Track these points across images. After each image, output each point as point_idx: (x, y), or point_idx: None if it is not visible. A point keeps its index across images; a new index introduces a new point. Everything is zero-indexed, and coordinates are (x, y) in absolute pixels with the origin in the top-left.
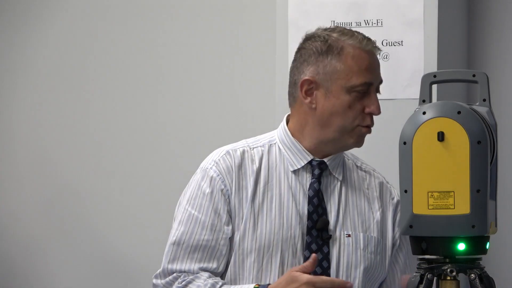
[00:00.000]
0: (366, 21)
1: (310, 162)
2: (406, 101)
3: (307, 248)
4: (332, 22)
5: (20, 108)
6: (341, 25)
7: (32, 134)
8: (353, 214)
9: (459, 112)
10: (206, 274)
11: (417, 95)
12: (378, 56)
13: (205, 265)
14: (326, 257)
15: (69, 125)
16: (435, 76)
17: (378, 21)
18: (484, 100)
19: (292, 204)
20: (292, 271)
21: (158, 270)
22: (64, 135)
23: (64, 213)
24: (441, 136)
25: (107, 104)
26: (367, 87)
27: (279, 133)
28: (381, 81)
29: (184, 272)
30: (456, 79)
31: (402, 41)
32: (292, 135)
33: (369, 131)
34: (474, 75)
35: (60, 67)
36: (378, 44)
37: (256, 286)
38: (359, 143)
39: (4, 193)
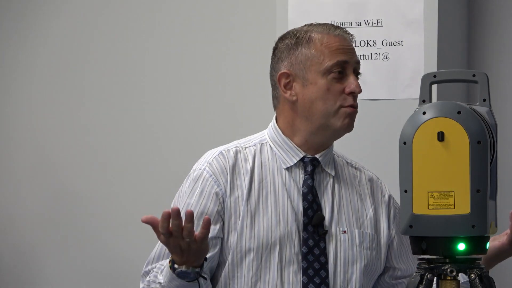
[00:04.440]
0: (366, 21)
1: (302, 159)
2: (406, 101)
3: (304, 244)
4: (332, 22)
5: (19, 111)
6: (341, 25)
7: (31, 136)
8: (347, 210)
9: (459, 112)
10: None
11: (417, 95)
12: (353, 43)
13: None
14: (323, 252)
15: (67, 127)
16: (435, 76)
17: (378, 21)
18: (484, 100)
19: (287, 201)
20: None
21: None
22: (63, 137)
23: (62, 216)
24: (441, 136)
25: (106, 107)
26: (341, 66)
27: (270, 132)
28: (357, 62)
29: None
30: (456, 79)
31: (402, 41)
32: (283, 133)
33: (355, 112)
34: (474, 75)
35: (59, 69)
36: (378, 44)
37: None
38: (348, 125)
39: (2, 195)
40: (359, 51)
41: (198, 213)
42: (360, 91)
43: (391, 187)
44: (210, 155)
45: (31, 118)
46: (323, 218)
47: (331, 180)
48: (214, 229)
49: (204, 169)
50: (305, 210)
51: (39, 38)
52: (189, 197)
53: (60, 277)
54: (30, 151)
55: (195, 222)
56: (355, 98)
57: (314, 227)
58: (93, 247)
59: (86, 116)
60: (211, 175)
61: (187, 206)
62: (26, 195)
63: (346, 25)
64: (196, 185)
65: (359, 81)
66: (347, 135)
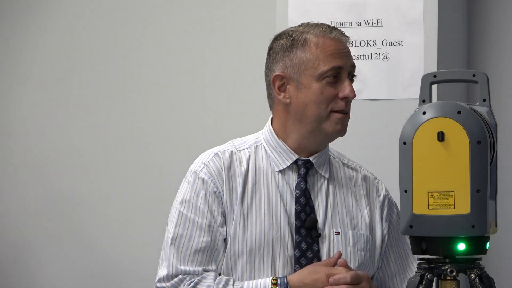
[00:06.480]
0: (366, 21)
1: (295, 162)
2: (406, 101)
3: (297, 247)
4: (332, 22)
5: (16, 110)
6: (341, 25)
7: (28, 135)
8: (341, 211)
9: (459, 112)
10: (212, 274)
11: (417, 95)
12: (348, 44)
13: (206, 267)
14: (317, 255)
15: (65, 127)
16: (435, 76)
17: (378, 21)
18: (484, 100)
19: (280, 204)
20: (316, 265)
21: (161, 274)
22: (60, 136)
23: (59, 214)
24: (441, 136)
25: (104, 106)
26: (336, 71)
27: (264, 134)
28: (353, 65)
29: (189, 274)
30: (456, 79)
31: (402, 41)
32: (277, 135)
33: (346, 117)
34: (474, 75)
35: (56, 70)
36: (378, 44)
37: (274, 278)
38: (339, 131)
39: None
40: (358, 51)
41: (208, 216)
42: (354, 96)
43: (391, 187)
44: (206, 156)
45: (29, 117)
46: (316, 221)
47: (325, 182)
48: (223, 231)
49: (202, 170)
50: (297, 213)
51: (33, 40)
52: (195, 200)
53: (57, 274)
54: (27, 150)
55: (207, 229)
56: (348, 102)
57: (307, 230)
58: (90, 245)
59: (84, 115)
60: (209, 177)
61: (198, 211)
62: (23, 193)
63: (346, 25)
64: (198, 188)
65: (355, 82)
66: (347, 135)
